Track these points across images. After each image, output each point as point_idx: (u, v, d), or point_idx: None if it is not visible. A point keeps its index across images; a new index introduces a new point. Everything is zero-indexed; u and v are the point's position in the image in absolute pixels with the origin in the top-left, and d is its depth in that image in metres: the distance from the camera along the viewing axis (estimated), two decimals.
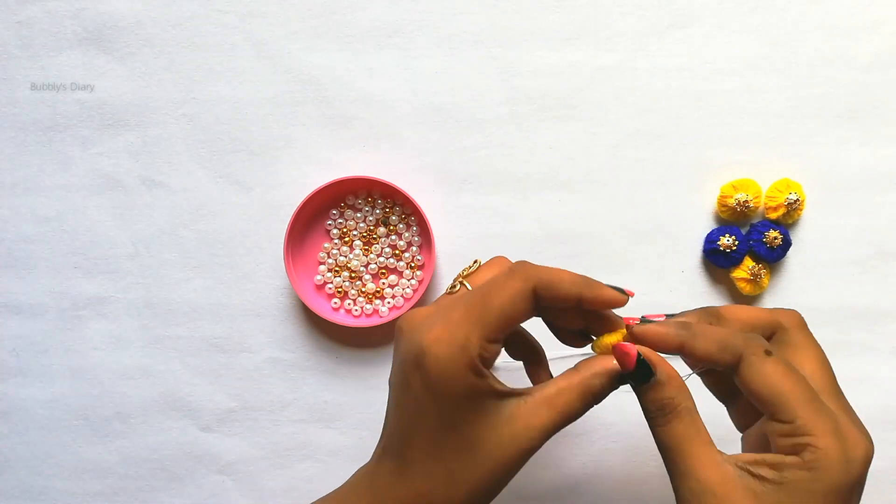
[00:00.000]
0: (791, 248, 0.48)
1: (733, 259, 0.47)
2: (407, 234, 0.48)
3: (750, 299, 0.49)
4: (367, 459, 0.49)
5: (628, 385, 0.32)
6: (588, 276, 0.32)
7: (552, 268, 0.32)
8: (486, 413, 0.30)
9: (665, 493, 0.49)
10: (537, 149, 0.49)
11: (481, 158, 0.49)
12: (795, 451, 0.28)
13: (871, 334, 0.48)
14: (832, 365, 0.34)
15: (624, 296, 0.32)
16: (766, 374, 0.29)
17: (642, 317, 0.33)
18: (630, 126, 0.48)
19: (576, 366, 0.33)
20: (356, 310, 0.48)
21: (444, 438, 0.30)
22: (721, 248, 0.47)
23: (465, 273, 0.34)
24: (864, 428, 0.30)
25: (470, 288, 0.33)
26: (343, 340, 0.49)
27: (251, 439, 0.49)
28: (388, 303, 0.48)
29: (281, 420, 0.49)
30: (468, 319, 0.30)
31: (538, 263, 0.49)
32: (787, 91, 0.48)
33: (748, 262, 0.47)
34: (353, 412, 0.49)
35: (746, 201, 0.46)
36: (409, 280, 0.48)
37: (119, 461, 0.50)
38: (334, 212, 0.49)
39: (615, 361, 0.32)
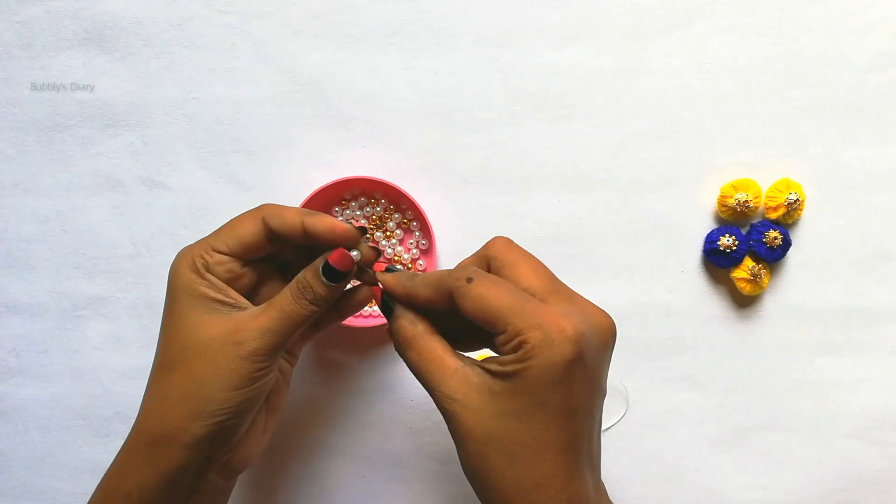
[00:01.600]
0: (791, 248, 0.48)
1: (733, 259, 0.47)
2: (407, 234, 0.48)
3: (750, 299, 0.49)
4: (368, 460, 0.50)
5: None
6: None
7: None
8: (214, 320, 0.34)
9: (666, 493, 0.49)
10: (537, 149, 0.49)
11: (481, 158, 0.49)
12: (514, 350, 0.31)
13: (871, 334, 0.48)
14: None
15: (347, 226, 0.36)
16: (473, 297, 0.32)
17: (387, 266, 0.37)
18: (630, 126, 0.48)
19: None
20: None
21: (182, 356, 0.34)
22: (721, 248, 0.47)
23: None
24: (579, 313, 0.32)
25: None
26: (343, 340, 0.49)
27: None
28: None
29: (281, 420, 0.49)
30: (203, 240, 0.36)
31: None
32: (787, 91, 0.48)
33: (748, 262, 0.47)
34: (352, 412, 0.49)
35: (746, 201, 0.47)
36: None
37: None
38: (336, 209, 0.49)
39: (322, 261, 0.36)
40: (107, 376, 0.50)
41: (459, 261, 0.49)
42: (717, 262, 0.48)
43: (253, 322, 0.34)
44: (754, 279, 0.47)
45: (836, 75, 0.48)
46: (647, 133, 0.48)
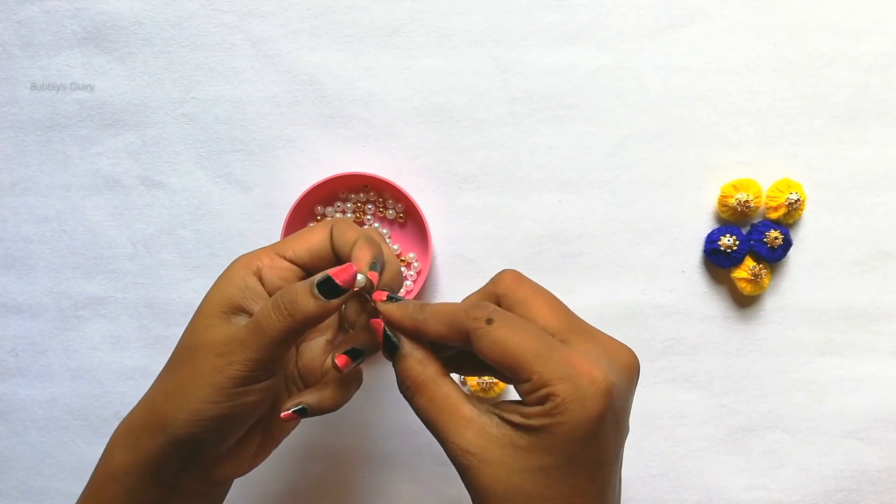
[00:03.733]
0: (791, 248, 0.48)
1: (734, 259, 0.47)
2: (405, 234, 0.48)
3: (750, 299, 0.49)
4: (369, 459, 0.50)
5: None
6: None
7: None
8: (219, 326, 0.33)
9: (666, 493, 0.49)
10: (537, 149, 0.49)
11: (481, 158, 0.49)
12: (541, 402, 0.28)
13: (871, 334, 0.48)
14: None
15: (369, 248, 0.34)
16: (493, 342, 0.29)
17: (389, 295, 0.33)
18: (630, 126, 0.48)
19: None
20: None
21: (183, 355, 0.34)
22: (722, 248, 0.47)
23: None
24: (605, 356, 0.30)
25: None
26: None
27: None
28: None
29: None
30: (269, 246, 0.35)
31: (537, 264, 0.49)
32: (787, 91, 0.48)
33: (749, 262, 0.47)
34: (353, 412, 0.49)
35: (747, 201, 0.46)
36: (406, 280, 0.48)
37: None
38: (330, 209, 0.49)
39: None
40: (106, 376, 0.50)
41: (457, 261, 0.49)
42: (717, 262, 0.48)
43: (236, 335, 0.32)
44: (755, 279, 0.47)
45: (836, 75, 0.48)
46: (647, 133, 0.48)
